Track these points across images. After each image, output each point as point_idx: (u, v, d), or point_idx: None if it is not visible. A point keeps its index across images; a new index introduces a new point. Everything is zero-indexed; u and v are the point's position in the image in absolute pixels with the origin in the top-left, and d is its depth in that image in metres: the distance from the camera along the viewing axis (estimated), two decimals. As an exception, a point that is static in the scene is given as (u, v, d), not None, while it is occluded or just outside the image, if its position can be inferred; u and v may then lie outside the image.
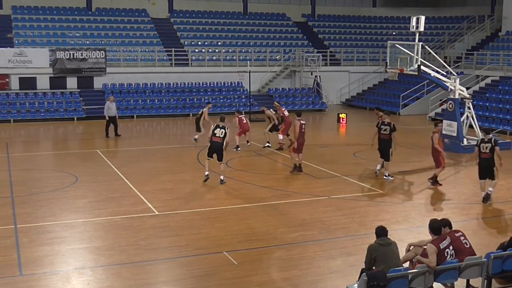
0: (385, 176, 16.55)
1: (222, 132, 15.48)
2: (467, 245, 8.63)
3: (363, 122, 29.66)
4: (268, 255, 10.65)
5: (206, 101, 29.79)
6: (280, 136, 21.02)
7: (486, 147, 14.06)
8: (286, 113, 21.21)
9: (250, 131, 21.26)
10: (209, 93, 32.66)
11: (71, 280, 9.52)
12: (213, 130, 15.55)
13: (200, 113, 22.15)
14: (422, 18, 20.81)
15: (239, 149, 20.55)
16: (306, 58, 34.89)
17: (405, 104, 32.16)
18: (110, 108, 23.66)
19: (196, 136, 22.07)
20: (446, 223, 8.75)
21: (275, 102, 23.55)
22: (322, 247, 11.07)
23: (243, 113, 21.74)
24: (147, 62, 33.45)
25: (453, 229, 8.89)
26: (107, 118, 23.59)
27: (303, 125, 17.05)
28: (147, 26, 36.33)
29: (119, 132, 23.91)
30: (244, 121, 21.02)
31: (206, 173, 15.72)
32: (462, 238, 8.68)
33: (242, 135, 21.04)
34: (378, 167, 16.82)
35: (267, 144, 21.26)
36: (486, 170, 14.22)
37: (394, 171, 17.64)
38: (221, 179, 15.79)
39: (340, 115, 29.15)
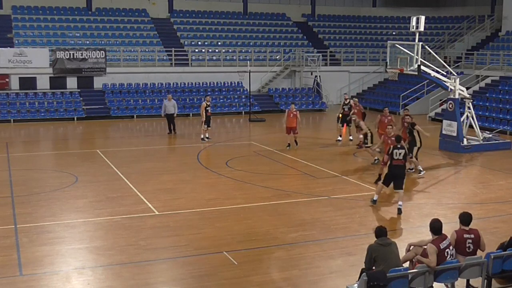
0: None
1: (401, 153, 13.48)
2: (469, 249, 8.52)
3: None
4: (268, 255, 10.65)
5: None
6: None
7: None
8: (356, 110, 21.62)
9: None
10: (209, 93, 32.55)
11: (71, 280, 9.52)
12: (390, 153, 13.56)
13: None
14: (422, 18, 20.78)
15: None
16: (306, 58, 34.89)
17: (405, 104, 32.12)
18: (166, 106, 24.60)
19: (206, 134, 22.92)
20: (464, 220, 8.71)
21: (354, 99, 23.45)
22: (322, 247, 11.07)
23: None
24: (147, 62, 33.44)
25: (468, 227, 8.69)
26: (163, 115, 24.91)
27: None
28: (147, 26, 36.33)
29: (176, 130, 24.94)
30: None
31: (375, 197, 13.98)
32: (469, 241, 8.54)
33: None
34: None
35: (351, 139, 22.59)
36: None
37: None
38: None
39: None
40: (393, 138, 14.66)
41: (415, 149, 17.29)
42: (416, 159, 17.31)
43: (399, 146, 13.52)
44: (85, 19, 35.48)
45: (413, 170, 17.16)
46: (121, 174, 16.93)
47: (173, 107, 24.56)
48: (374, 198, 13.92)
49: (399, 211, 13.21)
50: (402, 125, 17.77)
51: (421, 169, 17.11)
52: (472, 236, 8.61)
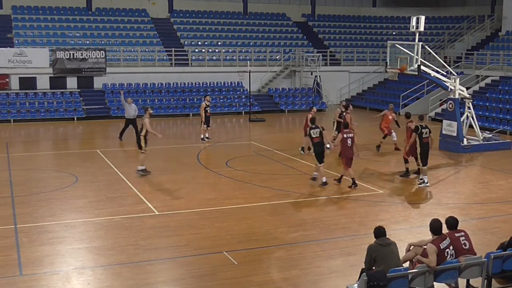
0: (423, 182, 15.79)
1: (316, 132, 15.55)
2: (465, 246, 8.55)
3: (363, 122, 29.61)
4: (268, 255, 10.65)
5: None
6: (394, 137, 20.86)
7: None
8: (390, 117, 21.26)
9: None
10: (209, 93, 32.56)
11: (71, 280, 9.52)
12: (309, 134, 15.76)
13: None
14: (422, 18, 20.78)
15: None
16: (306, 58, 34.89)
17: (405, 104, 32.15)
18: (127, 110, 22.63)
19: (206, 134, 22.79)
20: (451, 224, 8.69)
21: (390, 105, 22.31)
22: (322, 247, 11.07)
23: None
24: (147, 62, 33.45)
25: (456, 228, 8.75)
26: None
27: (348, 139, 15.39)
28: (147, 26, 36.34)
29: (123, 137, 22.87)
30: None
31: (324, 179, 15.61)
32: (462, 238, 8.60)
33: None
34: (425, 177, 15.75)
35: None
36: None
37: (395, 171, 17.66)
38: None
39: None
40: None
41: (419, 155, 15.87)
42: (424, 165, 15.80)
43: (313, 126, 15.66)
44: (85, 19, 35.48)
45: (422, 179, 15.85)
46: (121, 174, 16.93)
47: (134, 111, 22.51)
48: (323, 180, 15.58)
49: (314, 179, 15.78)
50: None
51: (426, 180, 15.72)
52: (462, 233, 8.67)
